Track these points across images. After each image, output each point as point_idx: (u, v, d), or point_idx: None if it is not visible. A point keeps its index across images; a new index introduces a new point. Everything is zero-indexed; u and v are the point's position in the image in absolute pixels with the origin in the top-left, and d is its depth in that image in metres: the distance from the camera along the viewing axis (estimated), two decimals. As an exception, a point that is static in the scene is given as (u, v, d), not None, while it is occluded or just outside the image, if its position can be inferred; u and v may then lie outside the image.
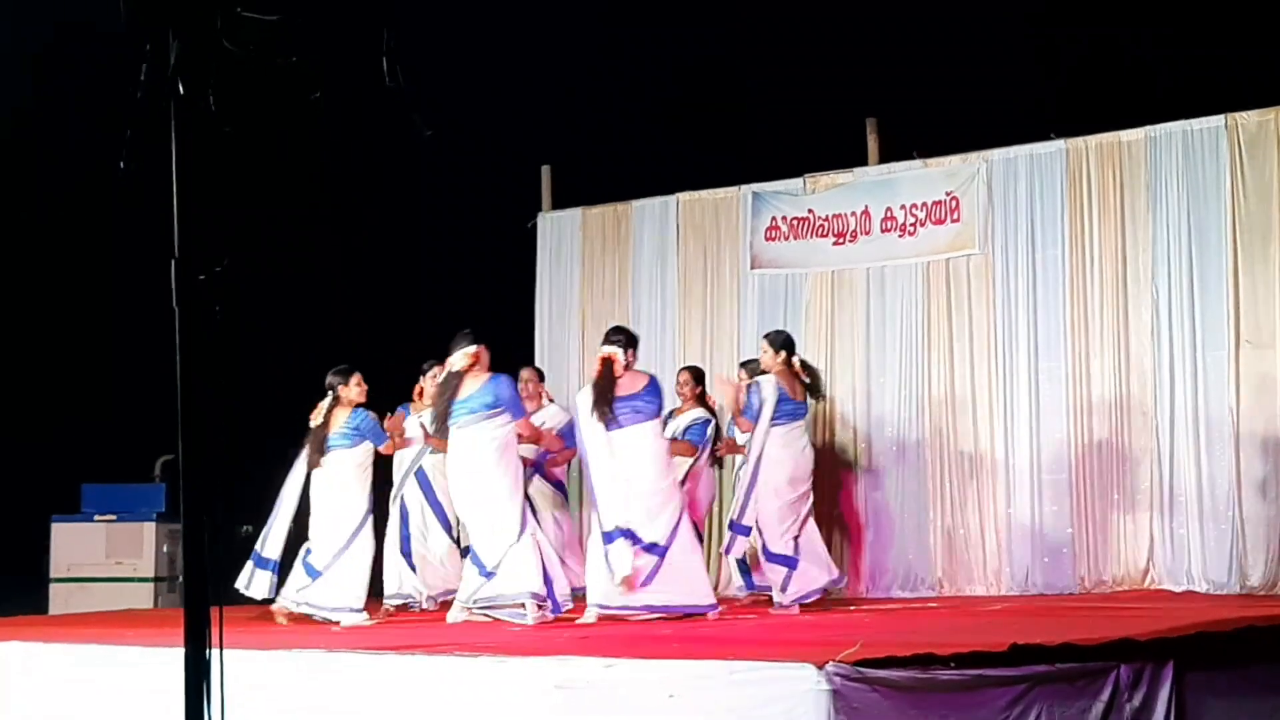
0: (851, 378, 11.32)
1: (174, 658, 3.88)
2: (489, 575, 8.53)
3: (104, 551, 11.94)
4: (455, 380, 8.78)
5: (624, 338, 8.89)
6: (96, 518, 11.99)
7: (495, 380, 8.81)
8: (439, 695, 5.82)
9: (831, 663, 4.96)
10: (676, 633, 7.56)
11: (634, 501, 8.51)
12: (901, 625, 8.03)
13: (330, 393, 9.26)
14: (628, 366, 8.76)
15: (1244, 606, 8.51)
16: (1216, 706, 6.19)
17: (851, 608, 9.74)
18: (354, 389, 9.23)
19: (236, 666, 4.04)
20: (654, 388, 8.81)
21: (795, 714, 4.97)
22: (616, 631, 7.85)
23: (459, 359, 8.80)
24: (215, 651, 3.77)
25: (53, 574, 11.93)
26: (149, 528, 11.93)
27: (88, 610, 10.85)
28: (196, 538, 3.83)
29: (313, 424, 9.20)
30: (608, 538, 8.45)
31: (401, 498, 9.99)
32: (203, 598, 3.80)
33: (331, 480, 9.14)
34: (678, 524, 8.60)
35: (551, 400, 10.65)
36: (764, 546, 9.29)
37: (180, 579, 11.80)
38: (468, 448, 8.68)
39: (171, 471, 12.23)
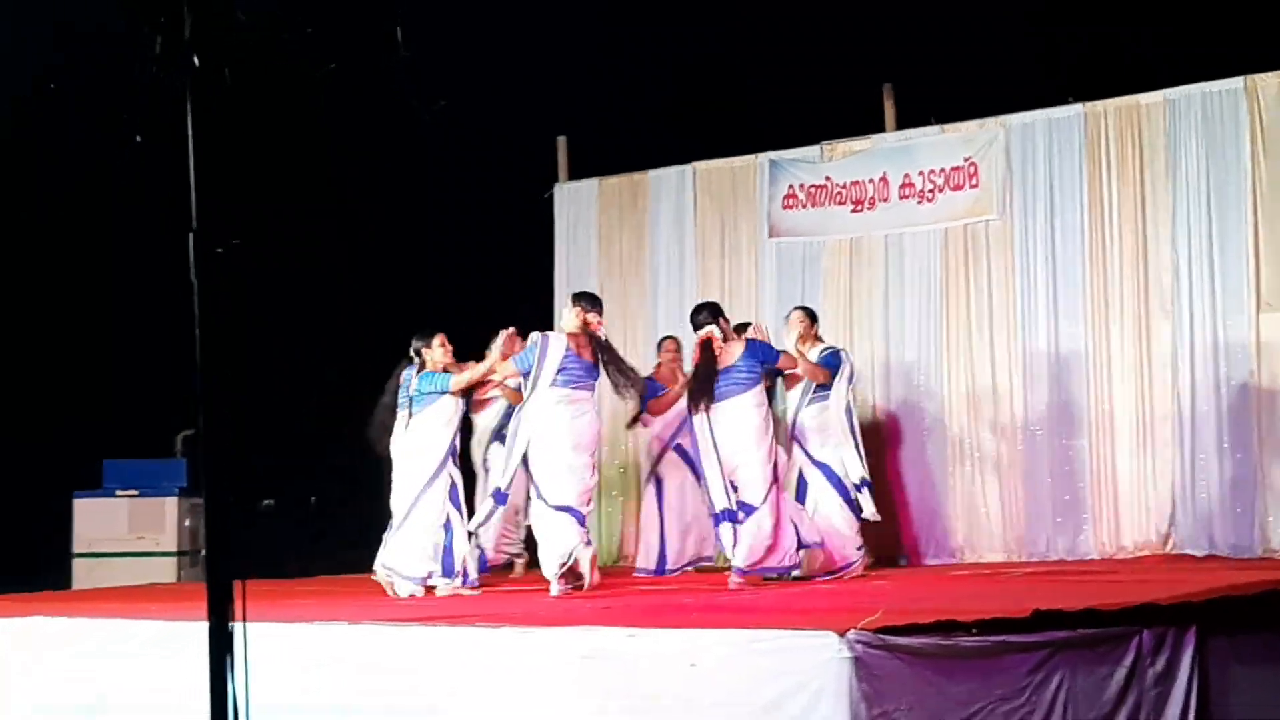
0: (870, 345, 11.29)
1: (198, 631, 3.90)
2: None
3: (126, 526, 11.98)
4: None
5: (709, 312, 8.93)
6: (118, 493, 12.03)
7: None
8: (463, 666, 5.84)
9: (853, 630, 4.96)
10: (698, 602, 7.57)
11: (735, 472, 8.67)
12: (922, 592, 8.03)
13: (417, 357, 9.14)
14: (726, 338, 8.83)
15: (1266, 570, 8.50)
16: (1240, 671, 6.19)
17: (872, 575, 9.73)
18: (438, 350, 9.13)
19: (260, 639, 4.05)
20: (750, 352, 8.82)
21: (817, 682, 4.97)
22: (639, 602, 7.87)
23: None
24: (239, 625, 3.78)
25: (75, 549, 11.99)
26: (170, 502, 11.96)
27: (110, 585, 10.90)
28: (219, 512, 3.84)
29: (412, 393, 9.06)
30: (715, 519, 8.75)
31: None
32: (226, 571, 3.81)
33: (408, 444, 9.07)
34: (770, 488, 8.71)
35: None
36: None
37: (203, 553, 11.84)
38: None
39: (192, 446, 12.27)
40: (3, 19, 9.73)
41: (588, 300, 8.91)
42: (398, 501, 9.00)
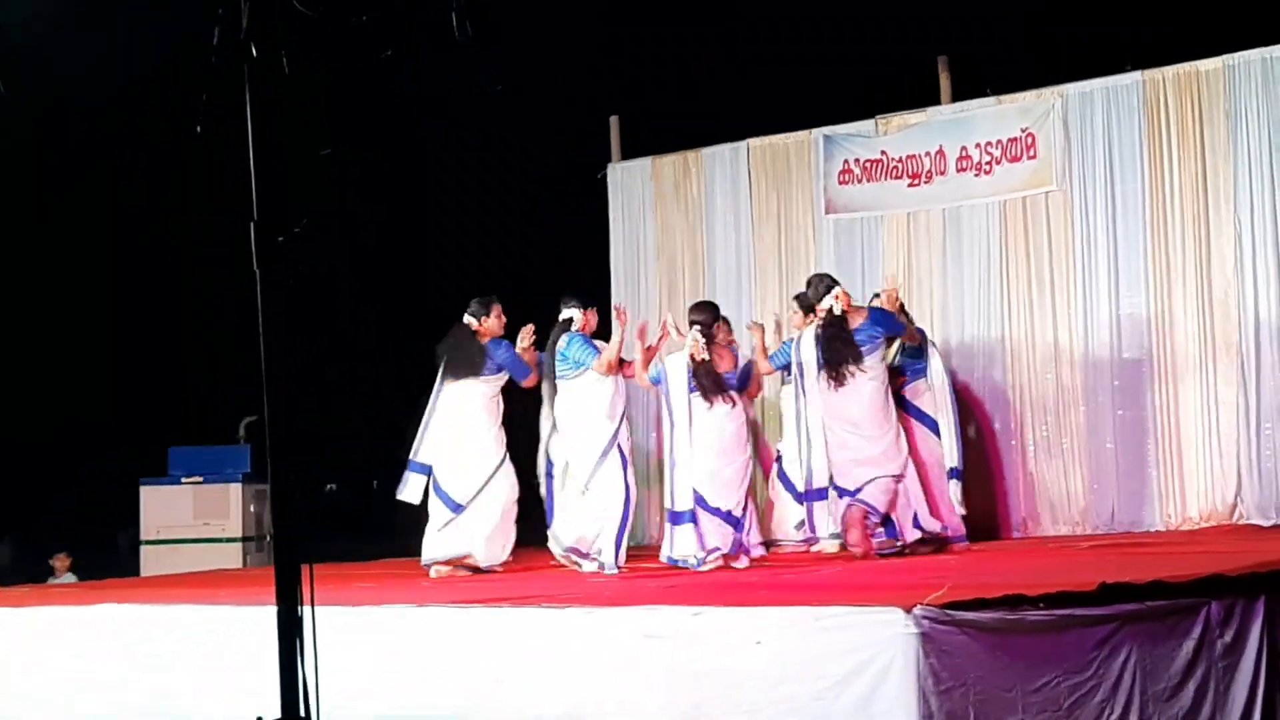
0: (930, 320, 11.22)
1: (265, 615, 3.93)
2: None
3: (192, 513, 12.11)
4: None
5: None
6: (184, 480, 12.16)
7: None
8: (528, 647, 5.86)
9: (919, 606, 4.95)
10: (763, 580, 7.57)
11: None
12: (988, 567, 7.99)
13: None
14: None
15: (1336, 539, 8.40)
16: (1310, 641, 6.13)
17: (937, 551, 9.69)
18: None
19: (327, 623, 4.08)
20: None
21: (884, 658, 4.96)
22: (703, 580, 7.87)
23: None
24: (308, 609, 3.81)
25: (143, 536, 12.12)
26: (235, 489, 12.08)
27: (178, 571, 11.02)
28: (286, 497, 3.87)
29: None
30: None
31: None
32: (294, 556, 3.84)
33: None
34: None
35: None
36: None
37: (268, 538, 11.97)
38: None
39: (256, 433, 12.39)
40: (60, 13, 9.82)
41: (698, 311, 8.94)
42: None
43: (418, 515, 10.02)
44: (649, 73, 12.22)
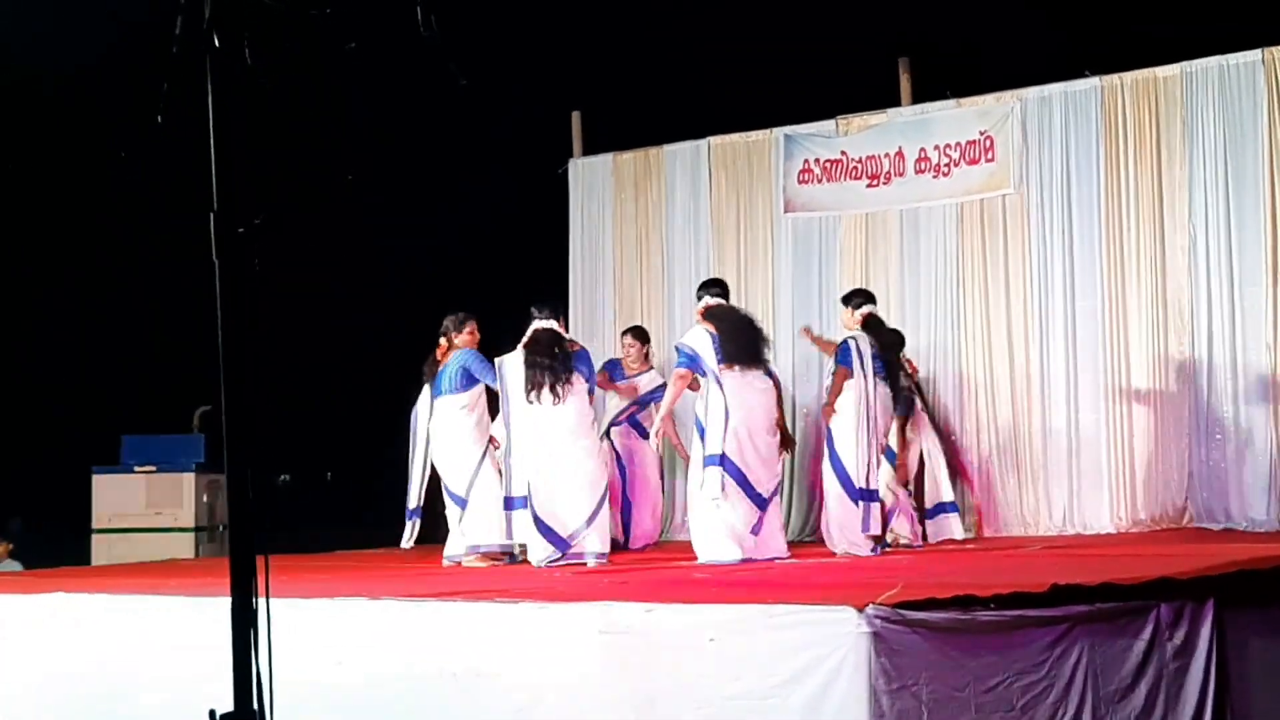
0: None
1: (218, 606, 3.91)
2: None
3: (144, 502, 12.04)
4: None
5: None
6: (137, 469, 12.08)
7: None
8: (482, 641, 5.85)
9: (872, 605, 4.95)
10: (716, 577, 7.58)
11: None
12: (941, 567, 8.03)
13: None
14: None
15: (1284, 544, 8.48)
16: (1258, 644, 6.20)
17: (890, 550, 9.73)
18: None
19: (281, 615, 4.06)
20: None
21: (836, 657, 4.96)
22: (657, 577, 7.88)
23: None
24: (262, 601, 3.79)
25: (94, 525, 12.04)
26: (188, 478, 12.02)
27: (130, 561, 10.95)
28: (241, 487, 3.85)
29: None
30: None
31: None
32: (249, 547, 3.82)
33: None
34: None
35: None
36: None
37: (221, 528, 11.91)
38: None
39: (210, 422, 12.32)
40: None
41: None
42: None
43: (370, 507, 9.99)
44: (611, 69, 12.20)
